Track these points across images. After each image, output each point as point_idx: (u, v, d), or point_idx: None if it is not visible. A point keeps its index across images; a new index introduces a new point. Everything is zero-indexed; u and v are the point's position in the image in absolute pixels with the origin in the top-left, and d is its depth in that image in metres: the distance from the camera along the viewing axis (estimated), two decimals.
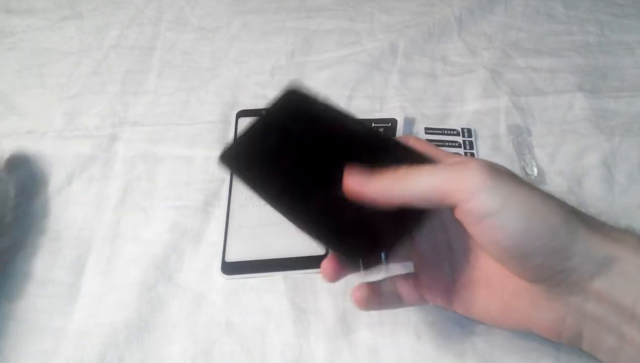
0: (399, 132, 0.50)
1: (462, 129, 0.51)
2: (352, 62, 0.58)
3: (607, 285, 0.26)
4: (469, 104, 0.54)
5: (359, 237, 0.29)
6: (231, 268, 0.43)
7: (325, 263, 0.32)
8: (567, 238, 0.26)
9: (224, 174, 0.49)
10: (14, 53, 0.64)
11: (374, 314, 0.39)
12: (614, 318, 0.27)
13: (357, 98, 0.55)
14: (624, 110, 0.52)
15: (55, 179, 0.50)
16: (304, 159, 0.34)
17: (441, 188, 0.27)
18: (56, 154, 0.52)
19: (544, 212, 0.26)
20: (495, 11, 0.63)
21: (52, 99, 0.58)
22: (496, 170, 0.27)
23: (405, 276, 0.36)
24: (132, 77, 0.59)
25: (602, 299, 0.27)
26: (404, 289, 0.35)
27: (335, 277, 0.32)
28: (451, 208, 0.28)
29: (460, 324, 0.38)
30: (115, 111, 0.56)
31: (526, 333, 0.32)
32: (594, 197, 0.45)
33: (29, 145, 0.53)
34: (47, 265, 0.45)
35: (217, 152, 0.51)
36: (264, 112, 0.37)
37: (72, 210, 0.48)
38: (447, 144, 0.49)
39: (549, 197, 0.28)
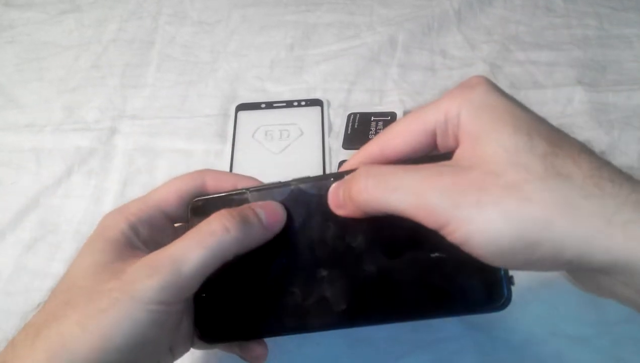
0: None
1: None
2: (352, 56, 0.58)
3: None
4: None
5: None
6: None
7: None
8: None
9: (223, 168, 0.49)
10: (13, 46, 0.63)
11: None
12: None
13: (357, 92, 0.55)
14: (623, 104, 0.52)
15: (55, 172, 0.51)
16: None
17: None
18: (55, 147, 0.53)
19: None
20: (494, 4, 0.63)
21: (51, 92, 0.58)
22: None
23: None
24: (131, 71, 0.59)
25: None
26: None
27: None
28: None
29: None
30: (114, 104, 0.56)
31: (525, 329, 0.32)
32: None
33: (28, 139, 0.53)
34: (46, 258, 0.45)
35: (216, 145, 0.52)
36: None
37: (71, 203, 0.48)
38: None
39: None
